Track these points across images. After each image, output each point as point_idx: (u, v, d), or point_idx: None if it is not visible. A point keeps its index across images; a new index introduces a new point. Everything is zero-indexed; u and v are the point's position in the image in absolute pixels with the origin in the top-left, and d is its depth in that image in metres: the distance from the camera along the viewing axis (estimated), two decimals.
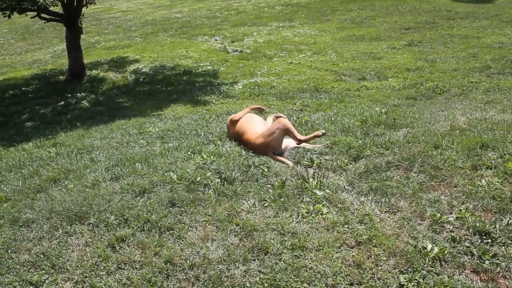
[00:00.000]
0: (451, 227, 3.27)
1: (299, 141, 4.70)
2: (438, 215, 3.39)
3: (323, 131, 4.80)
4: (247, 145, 4.75)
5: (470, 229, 3.21)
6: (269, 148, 4.61)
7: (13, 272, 3.17)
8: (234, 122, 5.09)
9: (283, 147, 4.71)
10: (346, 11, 15.64)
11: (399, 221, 3.39)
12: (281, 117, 4.99)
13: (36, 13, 9.15)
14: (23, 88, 9.83)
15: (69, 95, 9.00)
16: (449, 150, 4.40)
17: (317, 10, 16.17)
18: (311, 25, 14.00)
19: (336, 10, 15.90)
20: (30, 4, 8.64)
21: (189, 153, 4.72)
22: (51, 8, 9.50)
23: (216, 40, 12.87)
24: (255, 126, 4.89)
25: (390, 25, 13.43)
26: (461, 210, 3.43)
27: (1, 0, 7.98)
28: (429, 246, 3.06)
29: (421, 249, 3.05)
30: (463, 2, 16.48)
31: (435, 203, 3.57)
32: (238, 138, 4.95)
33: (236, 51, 11.33)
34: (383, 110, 6.02)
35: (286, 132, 4.66)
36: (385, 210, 3.54)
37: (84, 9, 9.92)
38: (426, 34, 12.07)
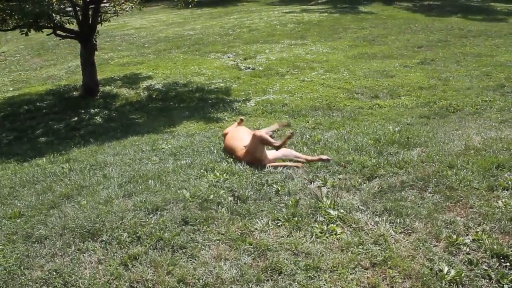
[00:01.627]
0: (468, 249, 3.22)
1: (277, 147, 4.83)
2: (454, 236, 3.34)
3: (292, 131, 5.28)
4: (237, 158, 4.96)
5: (487, 252, 3.16)
6: (256, 161, 4.78)
7: None
8: (225, 135, 5.49)
9: (270, 157, 4.87)
10: (358, 29, 15.70)
11: (415, 242, 3.34)
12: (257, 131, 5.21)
13: (52, 30, 9.28)
14: (38, 104, 9.92)
15: (83, 111, 9.06)
16: (464, 170, 4.36)
17: (329, 28, 16.24)
18: (323, 43, 14.05)
19: (348, 28, 15.96)
20: (47, 22, 8.75)
21: (202, 170, 4.72)
22: (67, 25, 9.63)
23: (228, 57, 12.95)
24: (241, 140, 5.12)
25: (402, 43, 13.44)
26: (478, 232, 3.38)
27: (20, 18, 8.10)
28: (446, 269, 3.00)
29: (437, 272, 3.00)
30: (475, 20, 16.50)
31: (450, 224, 3.52)
32: (228, 151, 5.21)
33: (249, 68, 11.38)
34: (396, 129, 5.99)
35: (264, 143, 4.79)
36: (400, 231, 3.50)
37: (98, 26, 10.05)
38: (439, 52, 12.06)
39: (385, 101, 8.17)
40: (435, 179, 4.22)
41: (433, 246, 3.29)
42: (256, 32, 16.27)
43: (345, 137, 5.66)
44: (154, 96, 9.66)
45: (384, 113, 7.40)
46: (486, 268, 3.04)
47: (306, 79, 10.00)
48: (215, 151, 5.39)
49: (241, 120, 6.13)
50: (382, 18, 17.63)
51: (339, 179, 4.40)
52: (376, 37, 14.37)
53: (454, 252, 3.20)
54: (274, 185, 4.24)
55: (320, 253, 3.25)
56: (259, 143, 4.80)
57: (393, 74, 10.07)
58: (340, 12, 19.60)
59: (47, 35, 9.76)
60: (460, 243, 3.27)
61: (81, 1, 9.53)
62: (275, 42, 14.53)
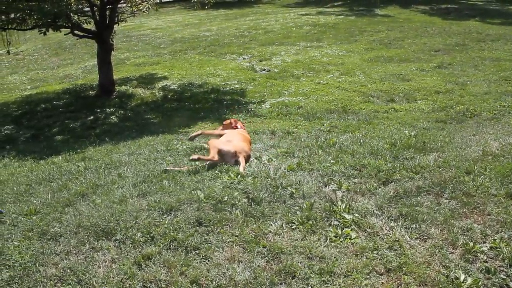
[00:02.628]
0: (485, 257, 3.17)
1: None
2: (471, 244, 3.28)
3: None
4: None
5: (506, 260, 3.10)
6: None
7: (40, 286, 3.19)
8: None
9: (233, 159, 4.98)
10: (375, 32, 15.61)
11: (430, 248, 3.29)
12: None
13: (70, 30, 9.37)
14: (54, 102, 10.03)
15: (99, 110, 9.14)
16: (482, 176, 4.30)
17: (345, 30, 16.17)
18: (339, 45, 14.00)
19: (364, 31, 15.87)
20: (65, 22, 8.85)
21: (216, 171, 4.72)
22: (84, 25, 9.72)
23: (244, 58, 12.96)
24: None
25: (419, 46, 13.33)
26: (496, 239, 3.32)
27: (39, 17, 8.20)
28: (462, 277, 2.96)
29: (454, 280, 2.96)
30: (494, 24, 16.29)
31: (467, 231, 3.46)
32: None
33: (264, 70, 11.37)
34: (412, 133, 5.94)
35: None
36: (416, 236, 3.45)
37: (115, 26, 10.13)
38: (456, 56, 11.93)
39: (401, 105, 8.10)
40: (452, 185, 4.16)
41: (449, 253, 3.24)
42: (272, 34, 16.27)
43: (361, 141, 5.62)
44: (169, 96, 9.70)
45: (400, 117, 7.34)
46: (504, 277, 2.98)
47: (321, 81, 9.97)
48: None
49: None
50: (399, 21, 17.51)
51: (354, 183, 4.37)
52: (393, 40, 14.27)
53: (471, 259, 3.15)
54: (289, 188, 4.22)
55: (334, 257, 3.22)
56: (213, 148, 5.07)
57: (410, 78, 9.99)
58: (356, 15, 19.50)
59: (65, 34, 9.86)
60: (477, 250, 3.22)
61: (98, 1, 9.61)
62: (290, 44, 14.50)
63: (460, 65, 10.96)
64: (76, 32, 9.55)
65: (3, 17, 8.40)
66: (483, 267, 3.07)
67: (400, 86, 9.37)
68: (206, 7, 12.37)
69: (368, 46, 13.71)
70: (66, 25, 9.04)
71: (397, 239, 3.41)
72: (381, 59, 11.98)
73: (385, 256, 3.22)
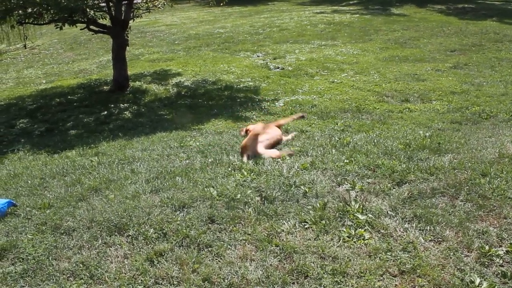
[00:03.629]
0: (501, 261, 3.12)
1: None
2: (487, 247, 3.23)
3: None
4: None
5: None
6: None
7: (53, 280, 3.21)
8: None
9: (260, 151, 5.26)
10: (390, 31, 15.48)
11: (445, 251, 3.25)
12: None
13: (85, 25, 9.43)
14: (69, 97, 10.09)
15: (112, 105, 9.18)
16: (498, 179, 4.23)
17: (360, 29, 16.07)
18: (354, 44, 13.91)
19: (380, 30, 15.75)
20: (81, 17, 8.91)
21: (229, 169, 4.71)
22: (100, 21, 9.77)
23: (258, 56, 12.93)
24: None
25: (434, 46, 13.20)
26: None
27: (55, 12, 8.25)
28: (477, 280, 2.92)
29: (469, 283, 2.92)
30: None
31: (483, 234, 3.41)
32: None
33: (278, 68, 11.34)
34: (427, 134, 5.88)
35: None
36: (430, 238, 3.41)
37: (130, 22, 10.16)
38: (473, 56, 11.80)
39: (416, 105, 8.02)
40: (467, 187, 4.11)
41: (464, 256, 3.20)
42: (286, 32, 16.21)
43: (375, 141, 5.58)
44: (183, 93, 9.71)
45: (414, 117, 7.27)
46: None
47: (335, 80, 9.91)
48: None
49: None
50: (414, 21, 17.34)
51: (368, 183, 4.33)
52: (408, 40, 14.15)
53: (486, 263, 3.11)
54: (302, 187, 4.20)
55: (348, 258, 3.20)
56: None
57: (425, 78, 9.89)
58: (371, 14, 19.36)
59: (81, 29, 9.92)
60: (493, 254, 3.17)
61: None
62: (305, 42, 14.44)
63: (476, 66, 10.83)
64: (91, 27, 9.61)
65: (20, 11, 8.47)
66: (499, 271, 3.02)
67: (415, 86, 9.28)
68: (221, 4, 12.38)
69: (383, 45, 13.61)
70: (82, 20, 9.10)
71: (411, 240, 3.37)
72: (396, 58, 11.88)
73: (398, 257, 3.19)
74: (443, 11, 19.83)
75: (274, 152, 5.28)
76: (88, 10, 8.92)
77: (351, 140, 5.61)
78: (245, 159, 5.09)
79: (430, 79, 9.82)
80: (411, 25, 16.34)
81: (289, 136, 6.00)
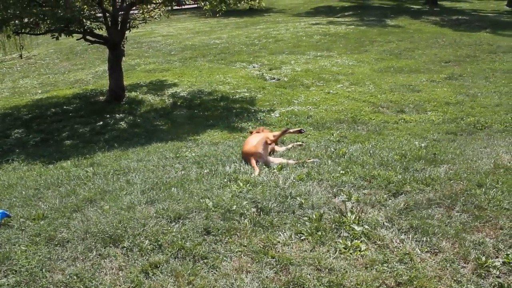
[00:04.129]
0: (498, 273, 3.11)
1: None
2: (483, 258, 3.23)
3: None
4: None
5: None
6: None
7: None
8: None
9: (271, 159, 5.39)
10: (385, 42, 15.58)
11: (441, 262, 3.25)
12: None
13: (82, 35, 9.44)
14: (65, 107, 10.07)
15: (108, 116, 9.16)
16: (494, 189, 4.24)
17: (355, 40, 16.15)
18: (349, 55, 13.97)
19: (375, 41, 15.85)
20: (77, 27, 8.92)
21: (225, 180, 4.70)
22: (96, 31, 9.78)
23: (254, 67, 12.96)
24: None
25: (429, 57, 13.28)
26: (509, 254, 3.27)
27: (52, 23, 8.26)
28: None
29: None
30: (505, 36, 16.21)
31: (479, 245, 3.41)
32: None
33: (274, 78, 11.36)
34: (422, 145, 5.89)
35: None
36: (426, 250, 3.40)
37: (127, 32, 10.18)
38: (467, 67, 11.87)
39: (411, 116, 8.05)
40: (463, 198, 4.11)
41: (461, 267, 3.19)
42: (282, 43, 16.27)
43: (370, 152, 5.58)
44: (179, 103, 9.71)
45: (410, 128, 7.29)
46: None
47: (331, 91, 9.94)
48: (238, 161, 5.36)
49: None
50: (409, 32, 17.46)
51: (364, 194, 4.32)
52: (403, 51, 14.23)
53: (483, 274, 3.10)
54: (298, 198, 4.19)
55: (344, 269, 3.18)
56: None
57: (420, 89, 9.94)
58: (367, 25, 19.48)
59: (77, 40, 9.92)
60: (490, 265, 3.17)
61: (111, 8, 9.67)
62: (300, 53, 14.50)
63: (471, 77, 10.89)
64: (88, 37, 9.61)
65: (16, 21, 8.48)
66: (496, 283, 3.01)
67: (410, 97, 9.32)
68: (217, 15, 12.42)
69: (378, 56, 13.68)
70: (79, 30, 9.11)
71: (407, 252, 3.36)
72: (391, 69, 11.94)
73: (395, 269, 3.18)
74: (437, 23, 19.98)
75: (281, 160, 5.32)
76: (84, 20, 8.94)
77: (347, 151, 5.61)
78: (256, 168, 5.05)
79: (425, 90, 9.87)
80: (406, 37, 16.45)
81: (284, 148, 6.01)
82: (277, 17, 24.38)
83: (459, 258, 3.29)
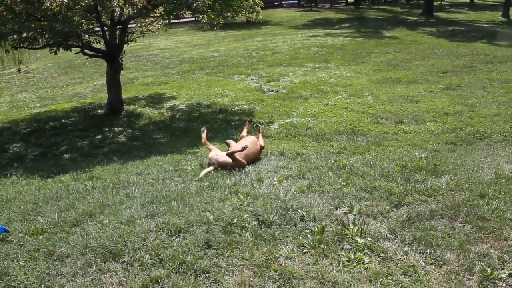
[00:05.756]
0: (504, 285, 3.07)
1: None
2: (489, 270, 3.19)
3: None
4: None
5: None
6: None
7: None
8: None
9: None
10: (382, 54, 15.65)
11: (446, 274, 3.20)
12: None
13: (80, 49, 9.45)
14: (63, 121, 10.06)
15: (107, 129, 9.15)
16: (496, 200, 4.20)
17: (352, 52, 16.22)
18: (347, 66, 14.02)
19: (372, 53, 15.92)
20: (75, 41, 8.93)
21: (225, 193, 4.66)
22: (95, 45, 9.80)
23: (252, 79, 12.99)
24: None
25: (427, 68, 13.34)
26: None
27: (50, 37, 8.28)
28: None
29: None
30: (501, 46, 16.32)
31: (484, 257, 3.37)
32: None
33: (272, 91, 11.38)
34: (423, 155, 5.86)
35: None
36: (431, 262, 3.36)
37: (125, 46, 10.20)
38: (464, 78, 11.92)
39: (410, 127, 8.05)
40: (466, 209, 4.08)
41: (466, 280, 3.14)
42: (280, 55, 16.33)
43: (371, 163, 5.55)
44: (177, 116, 9.70)
45: (409, 138, 7.29)
46: None
47: (330, 103, 9.95)
48: (238, 174, 5.33)
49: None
50: (406, 43, 17.56)
51: (366, 205, 4.29)
52: (400, 62, 14.29)
53: (489, 287, 3.05)
54: (299, 210, 4.15)
55: (348, 282, 3.14)
56: None
57: (418, 99, 9.96)
58: (364, 37, 19.60)
59: (75, 53, 9.93)
60: (496, 277, 3.12)
61: (109, 21, 9.70)
62: (298, 65, 14.54)
63: (469, 87, 10.93)
64: (86, 51, 9.63)
65: (15, 36, 8.49)
66: None
67: (409, 107, 9.33)
68: (215, 28, 12.47)
69: (375, 67, 13.73)
70: (77, 44, 9.12)
71: (411, 264, 3.32)
72: (389, 80, 11.97)
73: (399, 282, 3.13)
74: (433, 34, 20.11)
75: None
76: (82, 34, 8.96)
77: (347, 162, 5.59)
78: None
79: (424, 100, 9.89)
80: (403, 48, 16.54)
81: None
82: (274, 30, 24.52)
83: (464, 270, 3.24)
